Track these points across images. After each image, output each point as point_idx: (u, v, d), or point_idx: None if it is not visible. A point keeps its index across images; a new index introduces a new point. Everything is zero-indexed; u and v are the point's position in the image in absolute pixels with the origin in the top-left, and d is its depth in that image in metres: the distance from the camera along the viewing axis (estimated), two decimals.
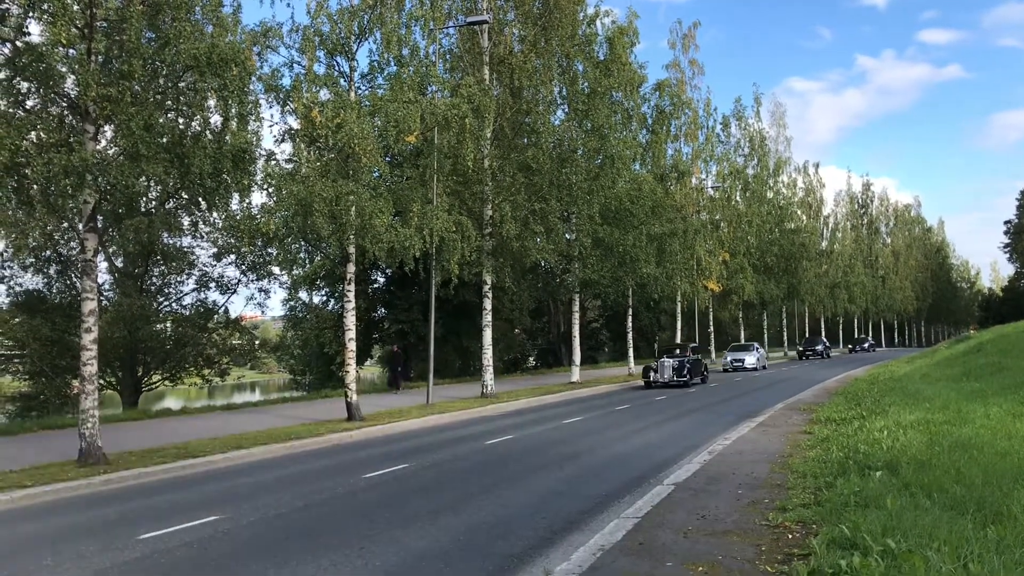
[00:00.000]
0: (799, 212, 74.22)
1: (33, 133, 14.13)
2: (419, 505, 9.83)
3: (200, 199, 16.26)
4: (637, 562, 6.35)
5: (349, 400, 20.95)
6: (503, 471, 12.48)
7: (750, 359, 46.71)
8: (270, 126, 41.35)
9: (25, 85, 14.07)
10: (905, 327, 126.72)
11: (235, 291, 38.36)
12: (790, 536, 6.92)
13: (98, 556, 7.87)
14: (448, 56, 30.73)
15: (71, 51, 13.62)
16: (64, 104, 14.50)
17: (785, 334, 77.33)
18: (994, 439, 10.67)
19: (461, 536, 8.18)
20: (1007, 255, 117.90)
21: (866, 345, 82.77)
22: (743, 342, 57.28)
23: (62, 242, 32.87)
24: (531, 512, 9.24)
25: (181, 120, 15.31)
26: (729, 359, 47.08)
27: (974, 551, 5.61)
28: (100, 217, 16.00)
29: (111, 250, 34.38)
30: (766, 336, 74.41)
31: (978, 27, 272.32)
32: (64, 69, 13.65)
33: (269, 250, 32.61)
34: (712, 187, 53.90)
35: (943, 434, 11.51)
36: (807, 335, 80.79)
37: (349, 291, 21.85)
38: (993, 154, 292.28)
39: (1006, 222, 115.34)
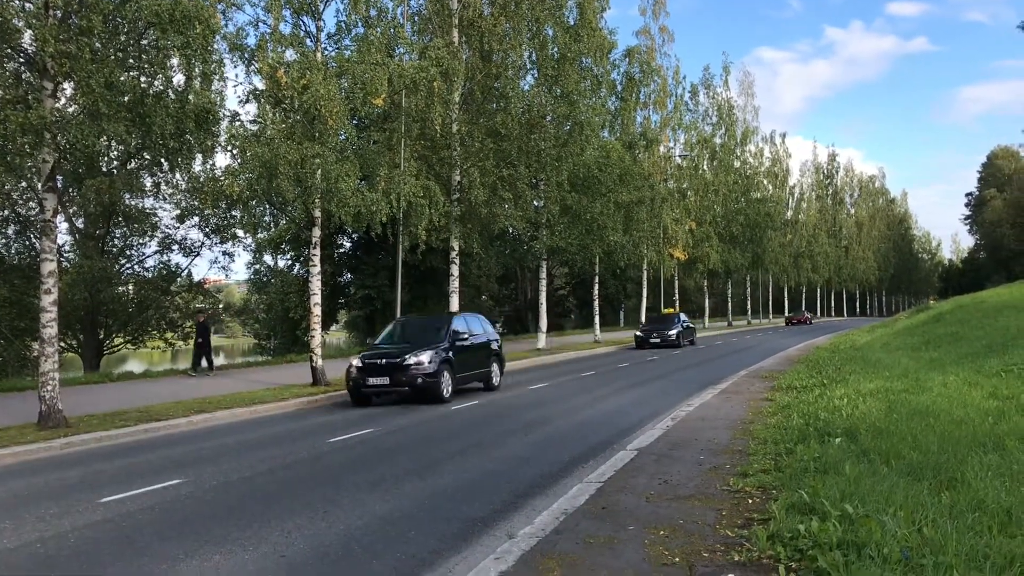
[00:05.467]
0: (765, 182, 74.76)
1: None
2: (384, 470, 9.84)
3: (162, 160, 16.02)
4: (600, 525, 6.41)
5: (314, 364, 20.88)
6: (469, 436, 12.52)
7: None
8: (234, 86, 41.13)
9: None
10: (867, 297, 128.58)
11: (198, 254, 38.04)
12: (750, 501, 7.01)
13: (59, 519, 7.80)
14: (416, 18, 30.37)
15: (28, 5, 13.27)
16: (21, 60, 14.14)
17: (749, 303, 78.15)
18: (950, 407, 10.86)
19: (426, 500, 8.20)
20: (968, 227, 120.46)
21: (672, 334, 37.33)
22: None
23: (20, 202, 32.27)
24: (496, 477, 9.29)
25: (143, 78, 15.00)
26: None
27: (928, 516, 5.72)
28: (60, 177, 15.71)
29: (71, 211, 33.81)
30: (730, 304, 75.20)
31: (945, 0, 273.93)
32: (20, 24, 13.30)
33: (233, 213, 32.12)
34: (680, 155, 54.09)
35: (901, 402, 11.69)
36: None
37: (315, 255, 21.66)
38: (957, 127, 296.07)
39: (967, 194, 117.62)
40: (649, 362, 28.45)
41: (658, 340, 36.93)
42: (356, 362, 17.31)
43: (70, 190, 31.19)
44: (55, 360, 14.36)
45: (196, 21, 13.94)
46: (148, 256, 37.67)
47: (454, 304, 29.02)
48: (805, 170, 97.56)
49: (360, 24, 22.07)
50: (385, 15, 22.76)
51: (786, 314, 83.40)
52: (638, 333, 38.38)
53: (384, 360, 17.00)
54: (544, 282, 37.86)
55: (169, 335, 38.06)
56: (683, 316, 41.84)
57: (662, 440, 10.56)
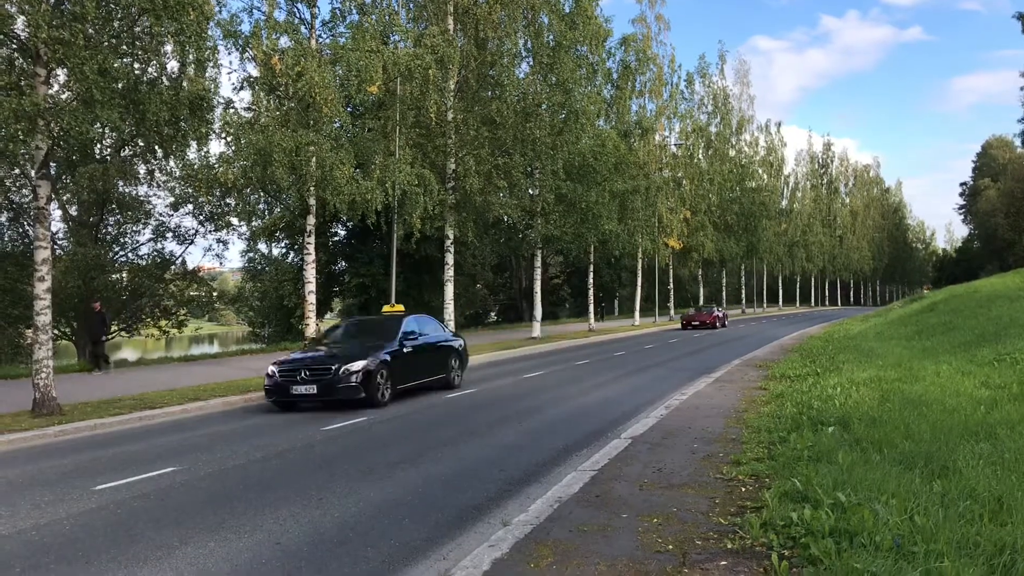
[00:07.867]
0: (760, 171, 74.71)
1: None
2: (378, 458, 9.85)
3: (157, 147, 15.97)
4: (594, 514, 6.43)
5: None
6: (463, 424, 12.54)
7: None
8: (229, 73, 40.84)
9: None
10: (861, 286, 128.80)
11: (192, 242, 37.97)
12: (743, 489, 7.04)
13: (53, 507, 7.80)
14: (411, 5, 30.24)
15: None
16: (14, 46, 14.05)
17: (743, 292, 78.19)
18: (943, 396, 10.89)
19: (420, 488, 8.22)
20: (962, 217, 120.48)
21: (354, 371, 14.50)
22: None
23: (14, 189, 32.13)
24: (490, 465, 9.31)
25: (137, 65, 14.95)
26: None
27: (921, 504, 5.74)
28: (53, 164, 15.65)
29: (65, 198, 33.68)
30: (724, 294, 75.22)
31: None
32: (13, 9, 13.21)
33: (228, 200, 32.14)
34: (675, 144, 53.97)
35: (894, 391, 11.73)
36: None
37: (309, 243, 21.64)
38: (952, 117, 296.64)
39: (962, 184, 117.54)
40: (647, 350, 28.37)
41: (312, 390, 14.51)
42: None
43: (64, 177, 31.07)
44: (49, 348, 14.34)
45: (190, 8, 13.88)
46: (142, 244, 37.61)
47: (448, 293, 29.00)
48: (800, 159, 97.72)
49: (355, 11, 22.04)
50: (380, 2, 22.71)
51: (688, 311, 52.23)
52: (272, 369, 15.06)
53: None
54: (539, 271, 37.86)
55: (163, 323, 38.01)
56: (423, 323, 17.65)
57: (656, 428, 10.58)
